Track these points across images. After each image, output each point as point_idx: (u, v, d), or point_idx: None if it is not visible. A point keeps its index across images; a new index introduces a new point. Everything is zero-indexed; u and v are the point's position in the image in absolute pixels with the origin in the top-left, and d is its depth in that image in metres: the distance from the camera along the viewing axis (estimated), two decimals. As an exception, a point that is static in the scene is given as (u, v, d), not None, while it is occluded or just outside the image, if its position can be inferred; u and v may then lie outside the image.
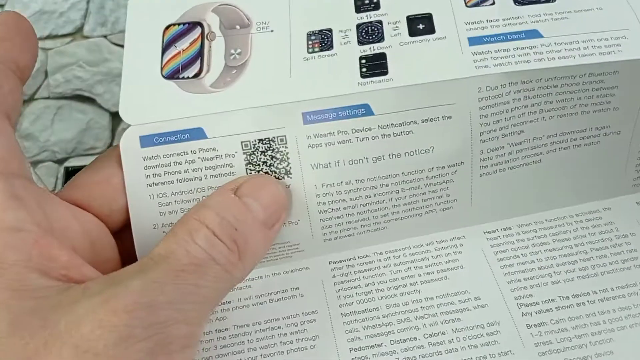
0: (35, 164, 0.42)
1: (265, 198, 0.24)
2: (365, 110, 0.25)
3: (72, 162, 0.43)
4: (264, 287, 0.27)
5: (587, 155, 0.27)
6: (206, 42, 0.27)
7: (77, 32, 0.41)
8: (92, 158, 0.27)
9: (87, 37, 0.41)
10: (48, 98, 0.42)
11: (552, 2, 0.26)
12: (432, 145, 0.26)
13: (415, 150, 0.26)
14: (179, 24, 0.27)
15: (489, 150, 0.26)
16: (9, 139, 0.22)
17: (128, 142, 0.25)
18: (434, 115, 0.25)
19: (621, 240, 0.28)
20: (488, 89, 0.25)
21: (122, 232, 0.26)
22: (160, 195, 0.25)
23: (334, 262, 0.28)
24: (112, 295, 0.19)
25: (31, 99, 0.42)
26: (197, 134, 0.25)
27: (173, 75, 0.26)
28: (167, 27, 0.27)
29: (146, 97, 0.26)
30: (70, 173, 0.43)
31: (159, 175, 0.25)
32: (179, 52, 0.26)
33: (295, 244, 0.27)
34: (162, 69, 0.26)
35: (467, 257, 0.28)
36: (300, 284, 0.28)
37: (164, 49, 0.26)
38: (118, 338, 0.18)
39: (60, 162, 0.42)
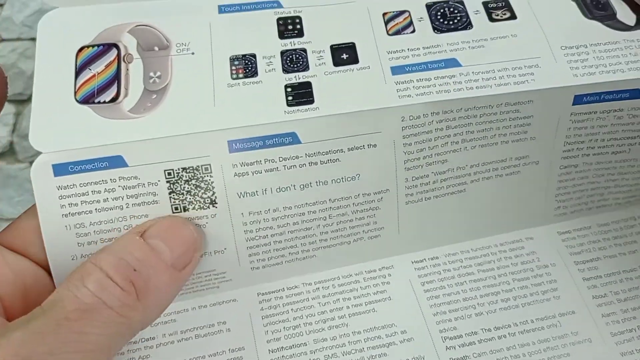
0: (34, 164, 0.41)
1: (174, 240, 0.23)
2: (292, 138, 0.25)
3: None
4: (190, 321, 0.26)
5: (509, 185, 0.28)
6: (123, 64, 0.25)
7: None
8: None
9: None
10: (48, 98, 0.41)
11: (469, 29, 0.27)
12: (358, 173, 0.26)
13: (342, 178, 0.26)
14: (93, 46, 0.25)
15: (413, 179, 0.26)
16: None
17: (39, 171, 0.23)
18: (360, 143, 0.25)
19: (542, 270, 0.29)
20: (411, 118, 0.25)
21: None
22: (78, 226, 0.24)
23: (262, 294, 0.27)
24: None
25: (31, 98, 0.40)
26: (116, 162, 0.24)
27: (88, 100, 0.25)
28: (81, 49, 0.25)
29: (58, 123, 0.24)
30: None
31: (76, 205, 0.24)
32: (93, 76, 0.25)
33: (222, 272, 0.26)
34: (75, 93, 0.25)
35: (395, 288, 0.28)
36: (227, 318, 0.27)
37: (77, 72, 0.25)
38: None
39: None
